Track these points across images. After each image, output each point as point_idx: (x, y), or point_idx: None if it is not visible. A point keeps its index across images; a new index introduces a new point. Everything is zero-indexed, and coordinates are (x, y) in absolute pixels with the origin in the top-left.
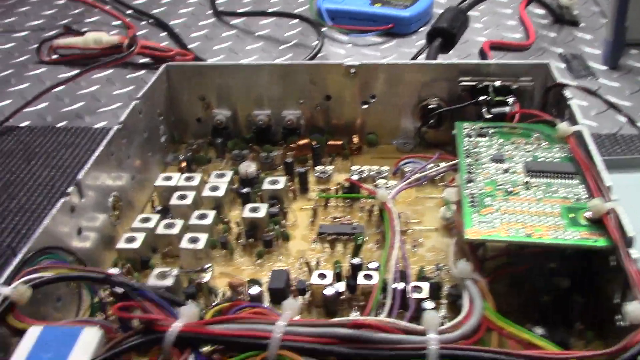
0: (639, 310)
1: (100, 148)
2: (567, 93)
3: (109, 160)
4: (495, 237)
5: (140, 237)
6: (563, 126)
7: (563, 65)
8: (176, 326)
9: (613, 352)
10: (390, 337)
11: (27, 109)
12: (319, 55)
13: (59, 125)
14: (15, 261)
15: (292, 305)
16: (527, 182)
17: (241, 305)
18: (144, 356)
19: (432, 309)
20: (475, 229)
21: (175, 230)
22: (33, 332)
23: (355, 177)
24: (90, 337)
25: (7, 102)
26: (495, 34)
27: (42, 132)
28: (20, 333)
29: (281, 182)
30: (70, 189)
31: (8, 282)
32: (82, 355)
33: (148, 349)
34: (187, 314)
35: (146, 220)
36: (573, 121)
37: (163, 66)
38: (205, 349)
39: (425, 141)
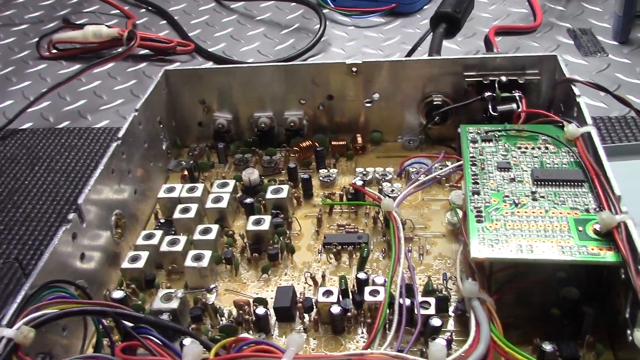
0: None
1: (100, 168)
2: (576, 90)
3: (109, 177)
4: (501, 256)
5: (144, 255)
6: (571, 128)
7: (572, 42)
8: None
9: None
10: None
11: (29, 109)
12: (321, 39)
13: (61, 125)
14: (17, 300)
15: (295, 342)
16: (534, 192)
17: (245, 341)
18: None
19: (440, 326)
20: (481, 247)
21: (179, 247)
22: None
23: (359, 182)
24: None
25: (9, 102)
26: (501, 10)
27: (45, 134)
28: None
29: (284, 190)
30: (70, 216)
31: (11, 322)
32: None
33: None
34: (191, 354)
35: (150, 236)
36: (581, 120)
37: (162, 71)
38: None
39: (430, 138)
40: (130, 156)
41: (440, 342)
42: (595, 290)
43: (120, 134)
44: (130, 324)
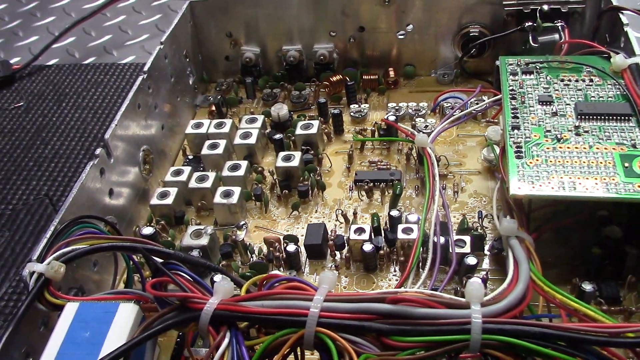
0: None
1: (126, 102)
2: (624, 18)
3: (136, 112)
4: (542, 193)
5: (173, 191)
6: (618, 59)
7: None
8: (212, 304)
9: None
10: (431, 312)
11: (54, 45)
12: None
13: (87, 61)
14: (47, 235)
15: (329, 279)
16: (577, 127)
17: (277, 278)
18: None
19: (475, 264)
20: (521, 184)
21: (208, 184)
22: (70, 309)
23: (391, 117)
24: (126, 313)
25: (34, 38)
26: None
27: (71, 70)
28: (59, 308)
29: (314, 125)
30: (98, 151)
31: (41, 258)
32: (119, 333)
33: (185, 326)
34: (222, 290)
35: (178, 173)
36: (629, 51)
37: (186, 3)
38: (242, 325)
39: (466, 71)
40: (157, 91)
41: (476, 280)
42: (638, 230)
43: (146, 68)
44: (160, 260)
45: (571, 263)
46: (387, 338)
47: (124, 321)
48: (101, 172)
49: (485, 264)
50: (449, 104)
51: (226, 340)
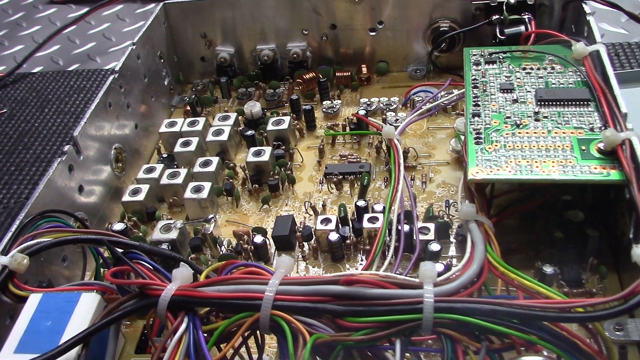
0: None
1: (96, 100)
2: (587, 8)
3: (107, 111)
4: (499, 177)
5: (145, 188)
6: (579, 47)
7: None
8: (169, 290)
9: (617, 298)
10: (384, 293)
11: (39, 53)
12: None
13: (70, 68)
14: (12, 228)
15: (285, 263)
16: (537, 113)
17: (235, 264)
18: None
19: (438, 250)
20: (479, 168)
21: (179, 180)
22: (33, 300)
23: (362, 111)
24: (88, 303)
25: (19, 47)
26: None
27: (55, 77)
28: (23, 300)
29: (286, 121)
30: (66, 148)
31: (6, 250)
32: (80, 321)
33: (144, 313)
34: (181, 277)
35: (151, 170)
36: (591, 39)
37: (160, 5)
38: (203, 311)
39: (437, 66)
40: (129, 90)
41: (430, 262)
42: (602, 214)
43: (117, 68)
44: (121, 250)
45: (535, 248)
46: (342, 319)
47: (85, 310)
48: (70, 168)
49: (452, 251)
50: (420, 98)
51: (183, 325)
